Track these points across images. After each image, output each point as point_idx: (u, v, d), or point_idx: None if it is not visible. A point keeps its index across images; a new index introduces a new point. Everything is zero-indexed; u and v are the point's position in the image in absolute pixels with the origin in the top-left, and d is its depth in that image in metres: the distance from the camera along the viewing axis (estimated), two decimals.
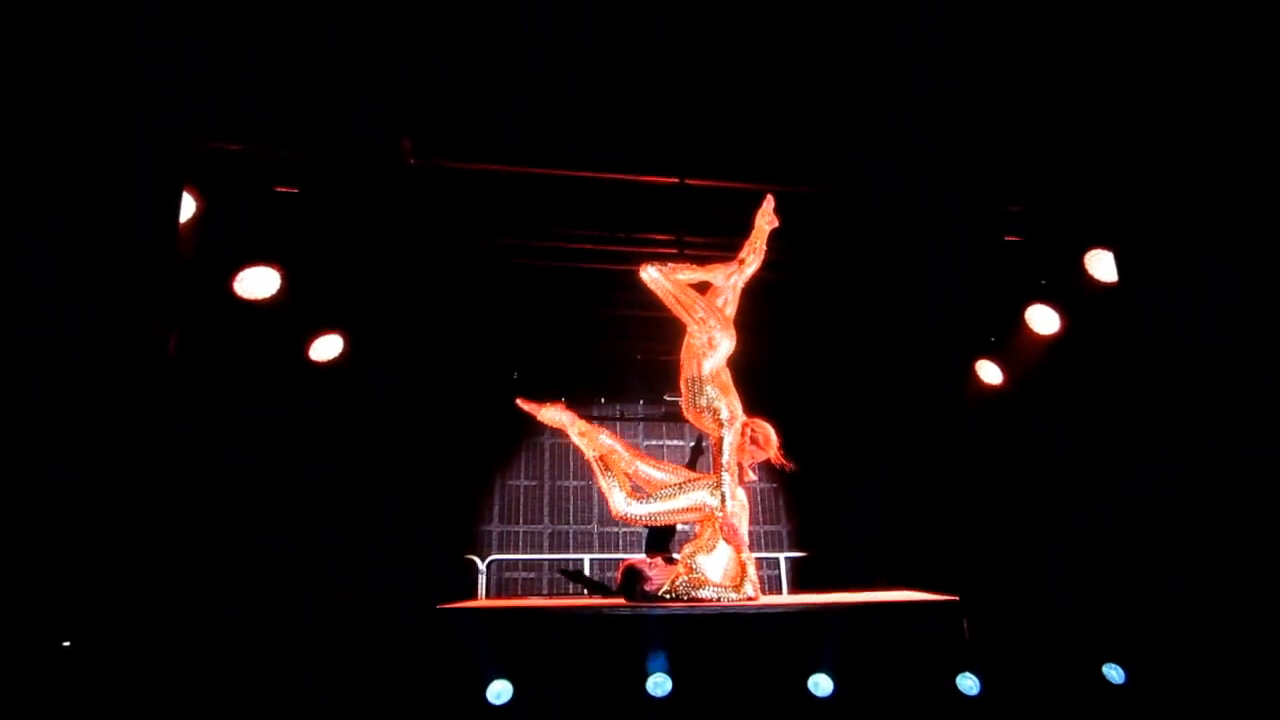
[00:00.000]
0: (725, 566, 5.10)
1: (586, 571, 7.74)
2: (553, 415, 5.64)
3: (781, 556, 7.86)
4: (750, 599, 5.05)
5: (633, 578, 5.22)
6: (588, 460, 5.46)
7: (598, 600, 5.34)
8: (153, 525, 4.32)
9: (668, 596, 5.05)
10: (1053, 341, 6.74)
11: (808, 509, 8.19)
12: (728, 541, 5.12)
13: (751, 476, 5.40)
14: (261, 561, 5.72)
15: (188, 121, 4.81)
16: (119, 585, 4.20)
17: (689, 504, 5.24)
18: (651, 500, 5.26)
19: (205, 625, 4.81)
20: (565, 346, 7.96)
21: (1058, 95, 5.43)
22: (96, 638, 4.06)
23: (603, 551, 7.91)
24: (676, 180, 6.09)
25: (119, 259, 4.10)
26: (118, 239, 4.11)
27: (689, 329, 5.46)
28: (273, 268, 5.97)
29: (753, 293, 6.42)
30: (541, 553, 7.97)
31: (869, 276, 7.06)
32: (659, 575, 5.18)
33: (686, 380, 5.47)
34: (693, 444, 7.75)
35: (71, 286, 3.95)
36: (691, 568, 5.08)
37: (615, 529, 8.04)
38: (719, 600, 5.00)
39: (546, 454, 8.37)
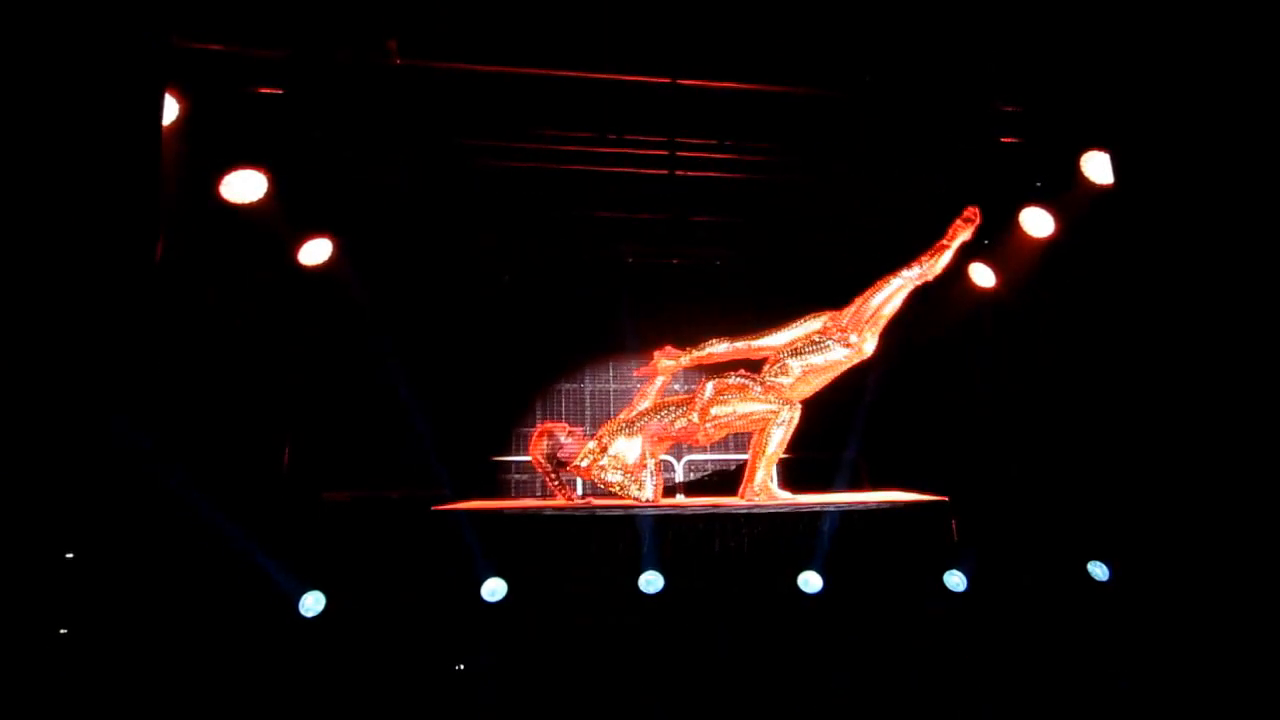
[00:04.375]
0: (633, 459, 5.17)
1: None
2: (667, 365, 5.62)
3: None
4: (649, 501, 5.12)
5: (545, 439, 5.33)
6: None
7: (591, 501, 5.43)
8: (141, 427, 4.34)
9: (581, 465, 5.25)
10: (1047, 244, 6.71)
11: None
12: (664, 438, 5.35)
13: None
14: (245, 475, 5.78)
15: (168, 21, 4.69)
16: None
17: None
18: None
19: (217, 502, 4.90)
20: (555, 250, 7.91)
21: None
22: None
23: None
24: (668, 80, 5.96)
25: (101, 162, 4.03)
26: (99, 142, 4.04)
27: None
28: (259, 171, 5.90)
29: (750, 193, 6.38)
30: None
31: (861, 179, 6.98)
32: (574, 445, 5.28)
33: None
34: None
35: (53, 193, 3.89)
36: (605, 447, 5.17)
37: None
38: (621, 490, 5.12)
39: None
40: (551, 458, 5.30)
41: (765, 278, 8.06)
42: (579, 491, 5.91)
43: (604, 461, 5.16)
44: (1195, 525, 4.66)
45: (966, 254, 7.26)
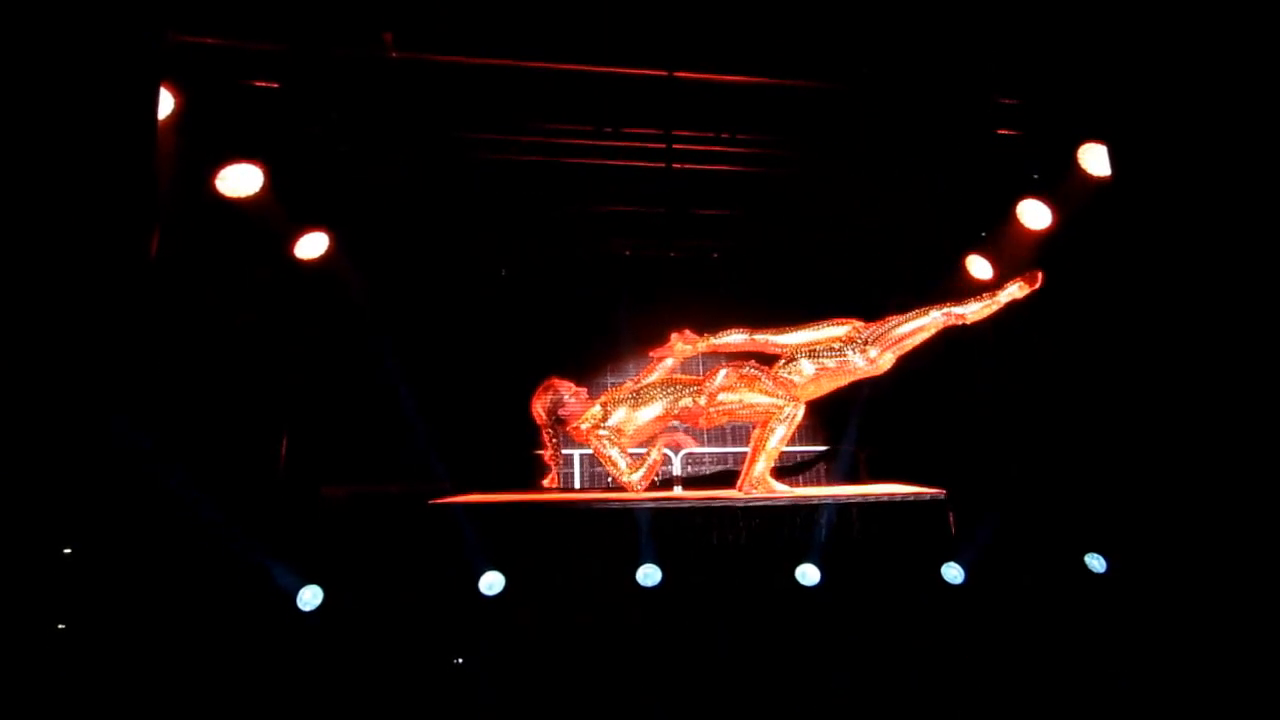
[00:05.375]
0: (631, 434, 5.17)
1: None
2: (683, 349, 5.54)
3: None
4: (637, 487, 5.12)
5: (549, 393, 5.30)
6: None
7: (587, 495, 5.42)
8: (141, 426, 4.34)
9: (581, 428, 5.22)
10: (1044, 237, 6.70)
11: None
12: (684, 420, 5.31)
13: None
14: (243, 470, 5.77)
15: (164, 15, 4.67)
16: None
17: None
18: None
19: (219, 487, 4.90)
20: (551, 244, 7.88)
21: None
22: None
23: None
24: (664, 73, 5.94)
25: (96, 157, 4.02)
26: (94, 136, 4.03)
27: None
28: (255, 165, 5.89)
29: (747, 186, 6.36)
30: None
31: (859, 171, 6.96)
32: (578, 405, 5.24)
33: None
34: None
35: (47, 188, 3.88)
36: (609, 414, 5.16)
37: None
38: (613, 467, 5.12)
39: None
40: (552, 413, 5.27)
41: (763, 270, 8.05)
42: (575, 484, 5.88)
43: (603, 432, 5.14)
44: (1193, 518, 4.67)
45: (963, 247, 7.30)
